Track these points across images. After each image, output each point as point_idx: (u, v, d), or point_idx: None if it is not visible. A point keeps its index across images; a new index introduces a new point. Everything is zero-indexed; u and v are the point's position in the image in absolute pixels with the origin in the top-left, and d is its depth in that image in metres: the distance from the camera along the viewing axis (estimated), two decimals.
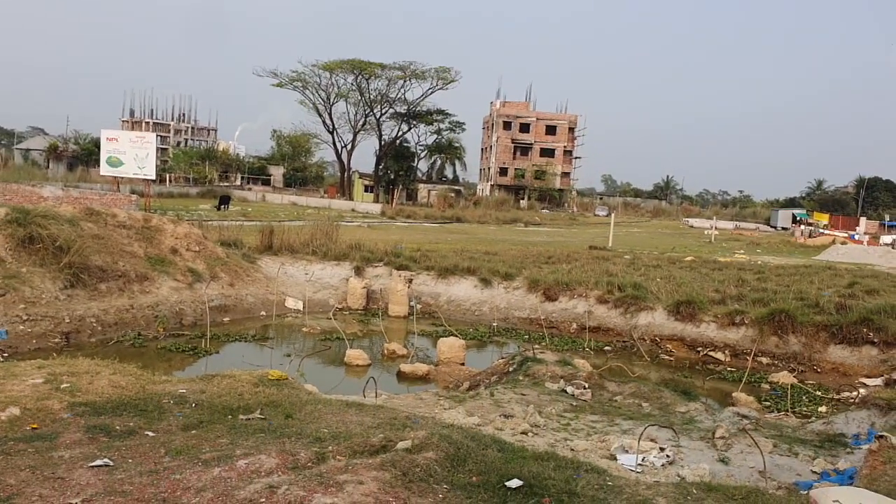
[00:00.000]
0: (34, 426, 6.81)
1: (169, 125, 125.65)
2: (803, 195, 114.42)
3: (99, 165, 40.31)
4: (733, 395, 13.29)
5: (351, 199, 76.73)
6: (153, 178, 39.00)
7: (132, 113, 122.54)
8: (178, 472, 5.62)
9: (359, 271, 22.14)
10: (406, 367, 14.51)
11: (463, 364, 14.95)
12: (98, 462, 5.85)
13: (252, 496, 5.10)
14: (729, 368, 16.18)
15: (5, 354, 13.17)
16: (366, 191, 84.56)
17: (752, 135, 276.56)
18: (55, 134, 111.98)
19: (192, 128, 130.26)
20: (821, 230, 62.48)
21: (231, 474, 5.52)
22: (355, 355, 15.05)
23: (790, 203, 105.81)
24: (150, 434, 6.73)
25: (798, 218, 79.20)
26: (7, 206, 17.98)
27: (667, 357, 17.23)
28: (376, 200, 75.90)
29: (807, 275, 24.65)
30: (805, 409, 13.00)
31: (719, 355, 16.99)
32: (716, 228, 55.46)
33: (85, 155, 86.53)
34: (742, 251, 39.80)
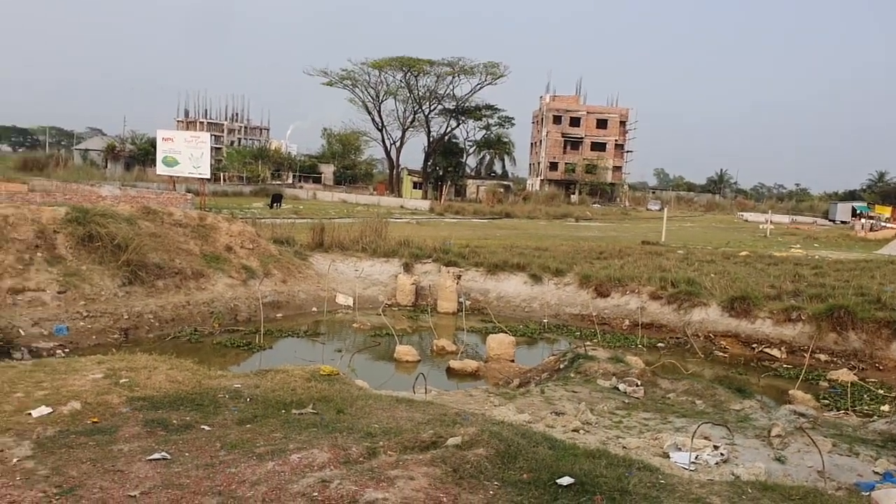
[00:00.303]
0: (94, 420, 7.01)
1: (222, 125, 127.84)
2: (864, 188, 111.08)
3: (155, 165, 41.19)
4: (790, 392, 12.99)
5: (400, 195, 77.07)
6: (208, 177, 39.72)
7: (187, 113, 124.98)
8: (234, 465, 5.73)
9: (408, 268, 22.23)
10: (455, 364, 14.53)
11: (513, 361, 14.90)
12: (156, 455, 6.00)
13: (305, 490, 5.17)
14: (785, 365, 15.82)
15: (66, 350, 13.59)
16: (414, 187, 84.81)
17: (809, 126, 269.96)
18: (113, 134, 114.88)
19: (245, 127, 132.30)
20: (882, 223, 60.58)
21: (284, 468, 5.61)
22: (405, 351, 15.13)
23: (850, 196, 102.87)
24: (206, 428, 6.87)
25: (858, 211, 77.00)
26: (67, 206, 18.53)
27: (721, 354, 16.93)
28: (425, 197, 76.06)
29: (867, 269, 23.94)
30: (866, 407, 12.63)
31: (775, 352, 16.63)
32: (771, 222, 54.23)
33: (141, 155, 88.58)
34: (799, 246, 38.87)
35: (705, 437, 8.46)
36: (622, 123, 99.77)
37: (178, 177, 41.52)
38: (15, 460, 5.85)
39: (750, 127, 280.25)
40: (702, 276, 20.68)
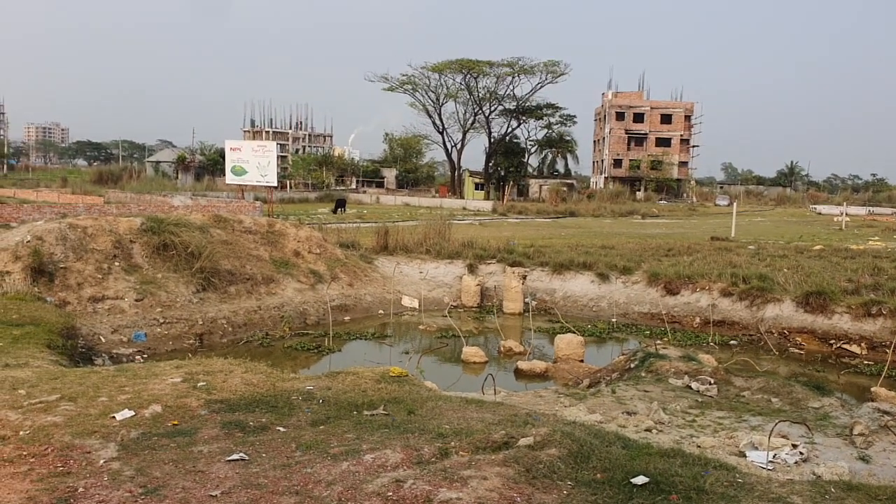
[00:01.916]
0: (175, 422, 7.22)
1: (287, 133, 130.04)
2: None
3: (224, 174, 42.12)
4: (872, 389, 12.54)
5: (462, 197, 77.16)
6: (275, 184, 40.34)
7: (253, 123, 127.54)
8: (309, 465, 5.83)
9: (472, 269, 22.26)
10: (523, 365, 14.48)
11: (582, 361, 14.78)
12: (234, 456, 6.15)
13: (379, 489, 5.23)
14: (866, 362, 15.29)
15: (145, 356, 14.04)
16: (476, 188, 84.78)
17: (884, 113, 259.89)
18: (182, 146, 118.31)
19: (309, 135, 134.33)
20: None
21: (359, 468, 5.68)
22: (472, 352, 15.15)
23: None
24: (282, 429, 7.01)
25: None
26: (142, 216, 19.14)
27: (796, 350, 16.46)
28: (487, 198, 76.01)
29: None
30: None
31: (854, 348, 16.08)
32: (846, 215, 52.46)
33: (210, 165, 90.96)
34: (877, 238, 37.50)
35: (783, 436, 8.25)
36: (687, 118, 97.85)
37: (246, 185, 42.34)
38: (102, 461, 6.07)
39: (821, 117, 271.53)
40: (774, 272, 20.14)
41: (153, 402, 7.72)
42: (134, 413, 7.41)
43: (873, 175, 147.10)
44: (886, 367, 13.88)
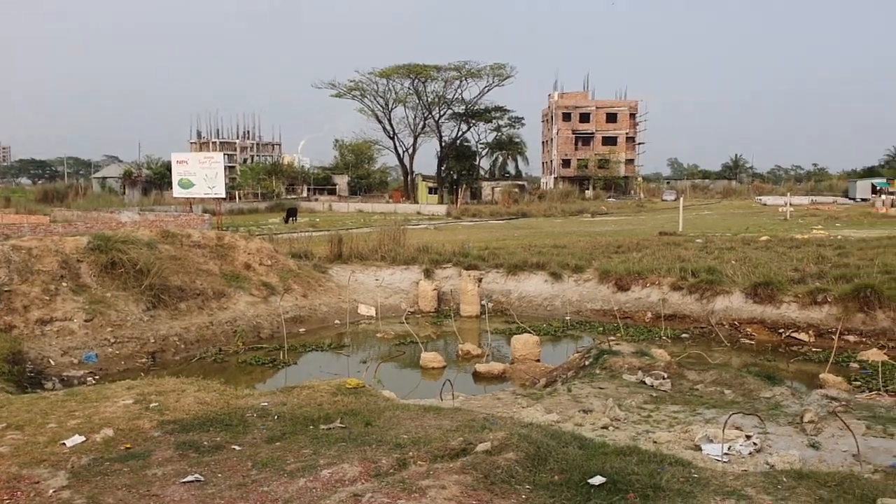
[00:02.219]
0: (127, 446, 7.08)
1: (235, 143, 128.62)
2: (883, 163, 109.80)
3: (171, 188, 41.53)
4: (820, 376, 12.87)
5: (415, 202, 77.15)
6: (223, 196, 39.97)
7: (199, 134, 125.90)
8: (266, 484, 5.77)
9: (428, 274, 22.26)
10: (481, 367, 14.52)
11: (538, 360, 14.87)
12: (189, 478, 6.05)
13: None
14: (814, 349, 15.68)
15: (96, 377, 13.73)
16: (430, 193, 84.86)
17: (822, 104, 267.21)
18: (129, 160, 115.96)
19: (257, 144, 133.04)
20: None
21: (316, 484, 5.64)
22: (430, 358, 15.14)
23: (869, 173, 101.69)
24: (237, 448, 6.92)
25: (878, 187, 76.19)
26: (89, 235, 18.73)
27: (747, 341, 16.80)
28: (441, 201, 76.14)
29: (891, 246, 23.67)
30: None
31: (803, 336, 16.47)
32: (790, 205, 53.75)
33: (158, 179, 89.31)
34: (820, 227, 38.49)
35: (737, 428, 8.40)
36: (632, 116, 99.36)
37: (194, 198, 41.86)
38: (51, 491, 5.92)
39: (763, 110, 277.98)
40: (722, 264, 20.55)
41: (105, 426, 7.56)
42: (85, 438, 7.25)
43: (815, 165, 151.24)
44: (833, 354, 14.24)
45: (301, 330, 18.53)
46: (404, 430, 7.17)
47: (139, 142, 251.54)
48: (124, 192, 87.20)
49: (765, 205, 71.63)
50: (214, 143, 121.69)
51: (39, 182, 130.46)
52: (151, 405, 8.31)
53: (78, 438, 7.22)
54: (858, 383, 12.78)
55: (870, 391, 12.04)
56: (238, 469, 6.27)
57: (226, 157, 70.08)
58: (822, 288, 17.21)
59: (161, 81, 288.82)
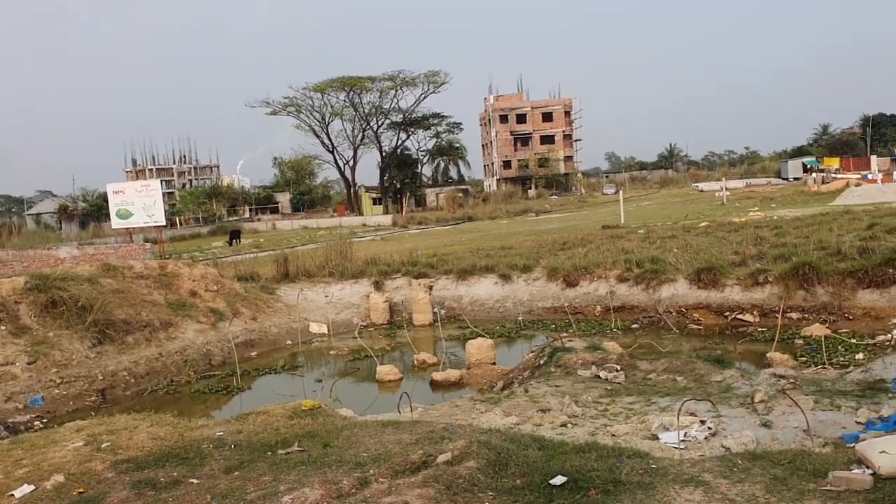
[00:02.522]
0: (80, 490, 6.89)
1: (172, 169, 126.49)
2: (811, 142, 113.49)
3: (110, 219, 40.66)
4: (767, 355, 13.19)
5: (360, 214, 76.99)
6: (163, 223, 39.30)
7: (135, 162, 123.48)
8: None
9: (378, 286, 22.18)
10: (438, 376, 14.53)
11: (494, 363, 14.93)
12: None
13: None
14: (759, 329, 16.07)
15: (44, 420, 13.33)
16: (374, 203, 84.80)
17: (750, 89, 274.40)
18: (63, 194, 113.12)
19: (195, 168, 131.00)
20: (833, 175, 61.92)
21: None
22: (386, 371, 15.08)
23: (799, 152, 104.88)
24: (195, 481, 6.79)
25: (809, 166, 78.63)
26: (26, 275, 18.20)
27: (695, 326, 17.14)
28: (386, 211, 76.12)
29: (825, 223, 24.46)
30: (842, 359, 12.88)
31: (748, 317, 16.88)
32: (726, 189, 55.10)
33: (95, 211, 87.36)
34: (756, 208, 39.54)
35: (691, 414, 8.55)
36: (567, 114, 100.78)
37: (134, 228, 41.02)
38: None
39: (693, 99, 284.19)
40: (665, 253, 20.94)
41: (55, 472, 7.34)
42: (34, 487, 7.03)
43: (747, 148, 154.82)
44: (778, 332, 14.63)
45: (253, 354, 18.29)
46: (364, 447, 7.13)
47: (73, 174, 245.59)
48: (61, 228, 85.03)
49: (701, 191, 73.27)
50: (151, 169, 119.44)
51: None
52: (103, 445, 8.11)
53: (27, 488, 7.00)
54: (804, 359, 13.14)
55: (815, 366, 12.39)
56: (197, 503, 6.15)
57: (163, 183, 68.81)
58: (763, 269, 17.67)
59: (91, 111, 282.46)
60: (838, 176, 60.94)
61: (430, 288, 21.05)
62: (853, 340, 14.01)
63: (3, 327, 15.44)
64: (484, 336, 16.46)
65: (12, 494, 6.84)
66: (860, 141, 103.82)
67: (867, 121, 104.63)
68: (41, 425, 12.79)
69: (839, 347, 13.68)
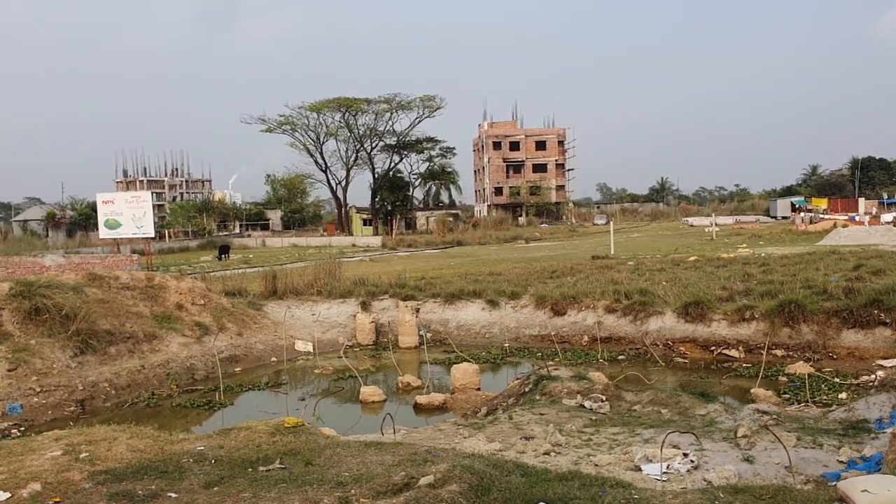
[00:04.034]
0: (56, 500, 6.79)
1: (163, 181, 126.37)
2: (800, 182, 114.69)
3: (98, 229, 40.52)
4: (751, 391, 13.23)
5: (350, 234, 76.96)
6: (152, 235, 39.17)
7: (125, 173, 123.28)
8: None
9: (365, 306, 22.13)
10: (422, 399, 14.46)
11: (479, 389, 14.88)
12: None
13: None
14: (744, 364, 16.10)
15: (22, 428, 13.17)
16: (364, 224, 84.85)
17: (742, 127, 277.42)
18: (51, 202, 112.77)
19: (187, 181, 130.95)
20: (821, 215, 62.49)
21: None
22: (370, 392, 15.01)
23: (787, 191, 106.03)
24: (173, 496, 6.71)
25: (797, 205, 79.37)
26: (10, 281, 18.06)
27: (681, 360, 17.17)
28: (376, 233, 76.14)
29: (812, 262, 24.63)
30: (825, 397, 12.91)
31: (733, 352, 16.92)
32: (716, 225, 55.52)
33: (83, 220, 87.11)
34: (744, 245, 39.80)
35: (674, 446, 8.56)
36: (560, 143, 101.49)
37: (121, 239, 40.88)
38: None
39: (686, 134, 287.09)
40: (654, 285, 21.00)
41: (31, 481, 7.24)
42: (10, 495, 6.93)
43: (737, 186, 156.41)
44: (762, 368, 14.68)
45: (237, 369, 18.17)
46: (346, 467, 7.08)
47: (62, 182, 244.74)
48: (48, 235, 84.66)
49: (691, 226, 73.76)
50: (142, 181, 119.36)
51: None
52: (81, 455, 8.01)
53: (2, 495, 6.89)
54: (787, 396, 13.17)
55: (798, 403, 12.43)
56: None
57: (154, 195, 68.73)
58: (750, 305, 17.74)
59: (83, 120, 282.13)
60: (826, 216, 61.47)
61: (417, 310, 21.01)
62: (837, 380, 14.05)
63: None
64: (469, 361, 16.42)
65: None
66: (849, 182, 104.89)
67: (856, 163, 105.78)
68: (18, 433, 12.63)
69: (823, 386, 13.72)
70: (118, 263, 33.28)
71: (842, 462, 7.91)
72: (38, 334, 15.84)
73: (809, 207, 73.87)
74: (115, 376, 15.85)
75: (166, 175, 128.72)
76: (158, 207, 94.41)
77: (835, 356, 15.76)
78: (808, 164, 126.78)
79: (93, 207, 63.77)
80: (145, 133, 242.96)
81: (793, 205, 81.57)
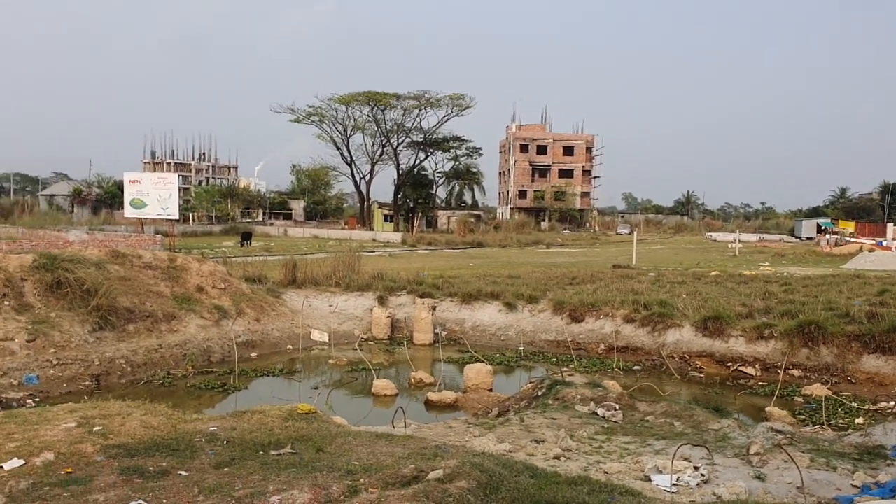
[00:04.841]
0: (69, 470, 6.87)
1: (190, 165, 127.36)
2: (827, 204, 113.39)
3: (123, 208, 40.92)
4: (766, 409, 13.11)
5: (371, 228, 77.12)
6: (176, 217, 39.47)
7: (153, 154, 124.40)
8: None
9: (382, 301, 22.18)
10: (434, 396, 14.47)
11: (491, 390, 14.87)
12: None
13: None
14: (760, 383, 15.97)
15: (37, 399, 13.32)
16: (386, 220, 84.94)
17: (772, 145, 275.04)
18: (78, 178, 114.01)
19: (213, 166, 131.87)
20: (847, 238, 61.69)
21: None
22: (382, 385, 15.05)
23: (814, 212, 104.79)
24: (183, 473, 6.76)
25: (823, 227, 78.43)
26: (34, 253, 18.28)
27: (697, 374, 17.05)
28: (396, 229, 76.22)
29: (835, 284, 24.34)
30: (841, 421, 12.78)
31: (750, 370, 16.78)
32: (739, 241, 55.01)
33: (108, 198, 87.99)
34: (767, 263, 39.42)
35: (685, 459, 8.50)
36: (588, 150, 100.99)
37: (146, 219, 41.26)
38: None
39: (714, 148, 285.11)
40: (674, 298, 20.85)
41: (45, 450, 7.33)
42: (24, 462, 7.02)
43: (762, 203, 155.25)
44: (778, 388, 14.56)
45: (253, 354, 18.28)
46: (356, 456, 7.10)
47: (90, 160, 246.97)
48: (73, 211, 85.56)
49: (715, 241, 73.17)
50: (169, 163, 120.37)
51: None
52: (95, 429, 8.09)
53: (16, 462, 6.98)
54: (803, 417, 13.05)
55: (814, 425, 12.30)
56: (184, 495, 6.12)
57: (180, 178, 69.15)
58: (769, 323, 17.57)
59: (114, 99, 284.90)
60: (852, 239, 60.66)
61: (434, 308, 21.03)
62: (854, 404, 13.90)
63: (7, 303, 15.50)
64: (483, 361, 16.41)
65: (1, 466, 6.83)
66: (878, 207, 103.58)
67: (886, 188, 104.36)
68: (34, 404, 12.79)
69: (839, 409, 13.57)
70: (141, 243, 33.55)
71: (855, 486, 7.80)
72: (58, 307, 16.02)
73: (836, 230, 72.90)
74: (131, 353, 15.99)
75: (193, 159, 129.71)
76: (184, 190, 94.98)
77: (853, 380, 15.57)
78: (837, 185, 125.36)
79: (119, 186, 64.42)
80: (175, 116, 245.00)
81: (819, 226, 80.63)
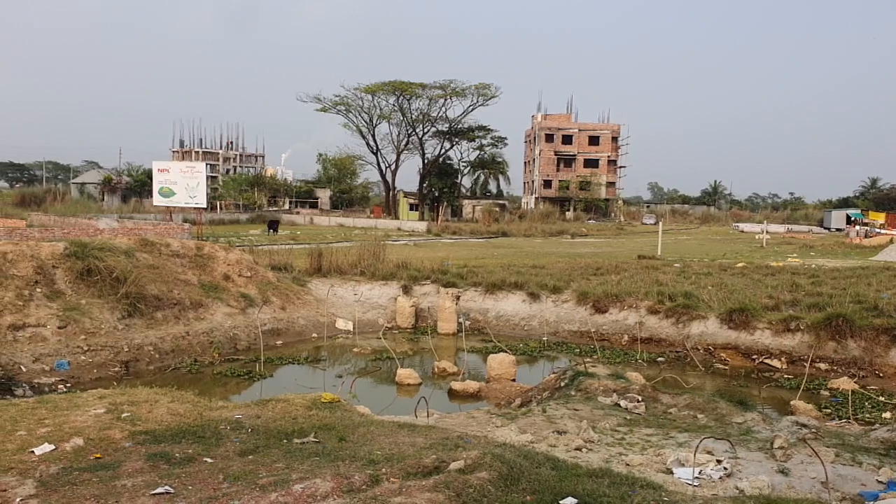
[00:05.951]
0: (97, 456, 7.01)
1: (218, 153, 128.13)
2: (857, 195, 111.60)
3: (152, 196, 41.30)
4: (791, 403, 13.01)
5: (396, 218, 77.24)
6: (204, 206, 39.73)
7: (182, 143, 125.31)
8: (237, 497, 5.74)
9: (406, 290, 22.26)
10: (457, 385, 14.53)
11: (514, 380, 14.91)
12: (159, 490, 6.00)
13: None
14: (786, 376, 15.84)
15: (68, 385, 13.58)
16: (411, 209, 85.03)
17: (801, 134, 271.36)
18: (109, 167, 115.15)
19: (241, 155, 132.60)
20: (877, 230, 60.76)
21: (288, 499, 5.61)
22: (406, 374, 15.13)
23: (843, 203, 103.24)
24: (209, 460, 6.88)
25: (852, 218, 77.25)
26: (66, 241, 18.57)
27: (721, 366, 16.94)
28: (421, 218, 76.26)
29: (864, 277, 24.01)
30: (868, 415, 12.64)
31: (775, 363, 16.65)
32: (767, 232, 54.32)
33: (138, 186, 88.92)
34: (795, 255, 38.94)
35: (708, 452, 8.47)
36: (614, 139, 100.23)
37: (174, 207, 41.62)
38: (18, 500, 5.85)
39: (742, 138, 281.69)
40: (699, 289, 20.71)
41: (75, 435, 7.48)
42: (54, 447, 7.18)
43: (791, 194, 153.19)
44: (804, 381, 14.43)
45: (278, 342, 18.46)
46: (378, 446, 7.17)
47: (120, 148, 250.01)
48: (103, 199, 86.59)
49: (742, 232, 72.34)
50: (197, 152, 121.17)
51: (17, 186, 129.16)
52: (123, 415, 8.24)
53: (47, 447, 7.14)
54: (829, 411, 12.93)
55: (839, 419, 12.18)
56: (209, 482, 6.23)
57: (208, 166, 69.67)
58: (796, 316, 17.40)
59: (143, 89, 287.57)
60: (882, 231, 59.73)
61: (458, 298, 21.07)
62: (882, 398, 13.74)
63: (39, 290, 15.77)
64: (506, 351, 16.43)
65: (33, 451, 6.99)
66: None
67: None
68: (65, 389, 13.04)
69: (866, 403, 13.42)
70: (170, 231, 33.93)
71: (881, 482, 7.73)
72: (88, 294, 16.29)
73: (866, 221, 71.80)
74: (159, 340, 16.23)
75: (221, 147, 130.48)
76: (212, 179, 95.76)
77: (881, 374, 15.40)
78: (868, 176, 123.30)
79: (148, 175, 65.11)
80: (203, 105, 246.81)
81: (848, 217, 79.35)
